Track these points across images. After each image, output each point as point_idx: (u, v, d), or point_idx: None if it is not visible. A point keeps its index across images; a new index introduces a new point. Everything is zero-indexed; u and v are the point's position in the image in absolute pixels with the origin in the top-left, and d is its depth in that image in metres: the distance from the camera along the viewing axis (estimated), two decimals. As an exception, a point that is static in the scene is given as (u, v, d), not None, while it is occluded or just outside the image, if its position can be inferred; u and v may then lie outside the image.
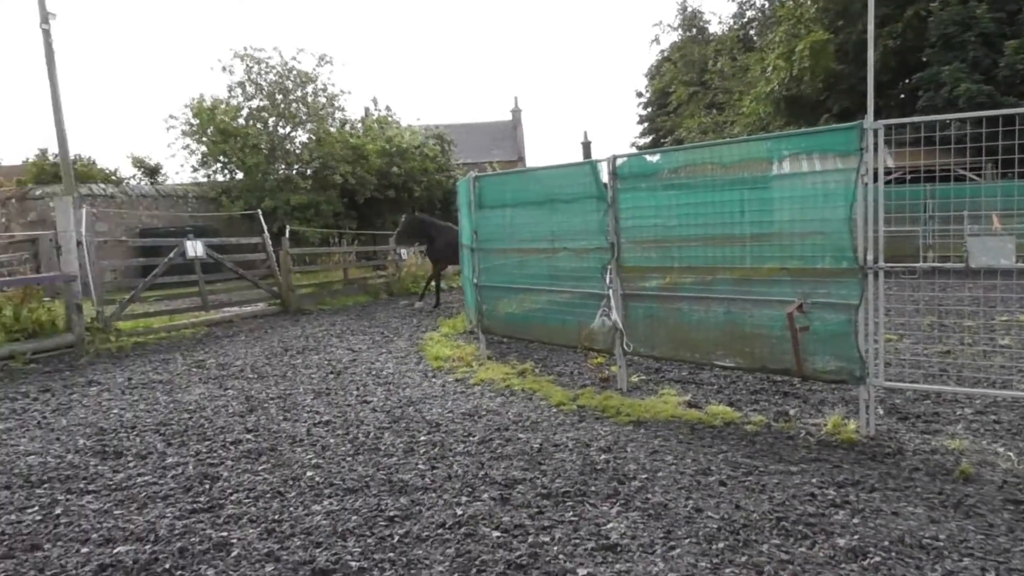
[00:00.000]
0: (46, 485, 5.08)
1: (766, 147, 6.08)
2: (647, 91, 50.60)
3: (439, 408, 6.80)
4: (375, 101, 32.27)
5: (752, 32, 41.21)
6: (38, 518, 4.48)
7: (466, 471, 5.03)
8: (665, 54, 47.92)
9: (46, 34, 15.93)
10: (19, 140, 68.44)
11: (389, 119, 28.20)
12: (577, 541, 3.92)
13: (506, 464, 5.15)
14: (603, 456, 5.24)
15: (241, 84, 24.67)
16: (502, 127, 48.90)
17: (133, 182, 27.70)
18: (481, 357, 9.11)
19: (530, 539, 3.95)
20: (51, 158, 25.88)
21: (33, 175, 26.39)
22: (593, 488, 4.64)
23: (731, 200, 6.14)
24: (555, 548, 3.84)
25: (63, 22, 66.93)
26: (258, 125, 24.55)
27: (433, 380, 8.10)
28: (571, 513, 4.28)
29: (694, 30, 46.25)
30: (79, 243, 11.21)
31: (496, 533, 4.04)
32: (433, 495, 4.62)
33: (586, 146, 50.53)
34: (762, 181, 6.03)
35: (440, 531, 4.09)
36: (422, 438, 5.86)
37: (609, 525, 4.09)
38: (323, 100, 25.55)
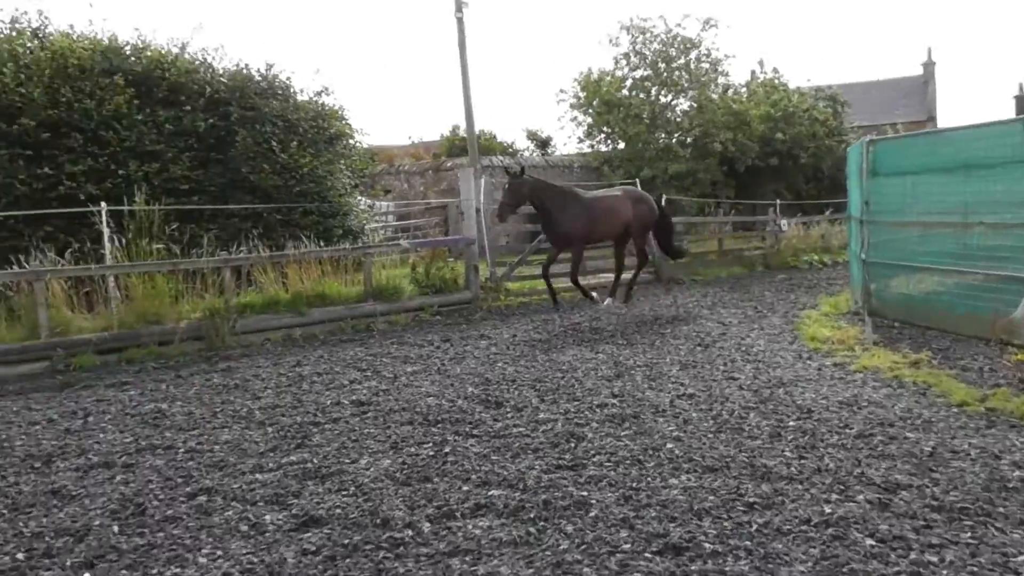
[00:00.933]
0: (439, 425, 5.74)
1: None
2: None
3: (812, 393, 6.29)
4: (761, 63, 30.79)
5: None
6: (431, 454, 5.06)
7: (839, 466, 4.56)
8: None
9: (459, 22, 17.88)
10: (436, 118, 78.83)
11: (776, 82, 26.84)
12: (974, 569, 3.30)
13: (888, 465, 4.55)
14: (1017, 472, 4.37)
15: (626, 55, 25.34)
16: (909, 83, 43.48)
17: (526, 154, 30.25)
18: (866, 341, 8.22)
19: (912, 555, 3.43)
20: (460, 133, 29.25)
21: (446, 149, 30.24)
22: (1001, 509, 3.88)
23: None
24: (944, 572, 3.29)
25: (472, 8, 74.91)
26: (640, 95, 25.04)
27: (807, 362, 7.52)
28: (969, 534, 3.62)
29: None
30: (477, 210, 12.52)
31: (870, 541, 3.58)
32: (799, 487, 4.26)
33: (1020, 100, 42.74)
34: None
35: (804, 528, 3.75)
36: (791, 423, 5.46)
37: (1020, 558, 3.38)
38: (706, 66, 25.17)
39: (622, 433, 5.36)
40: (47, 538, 3.93)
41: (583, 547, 3.63)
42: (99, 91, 11.21)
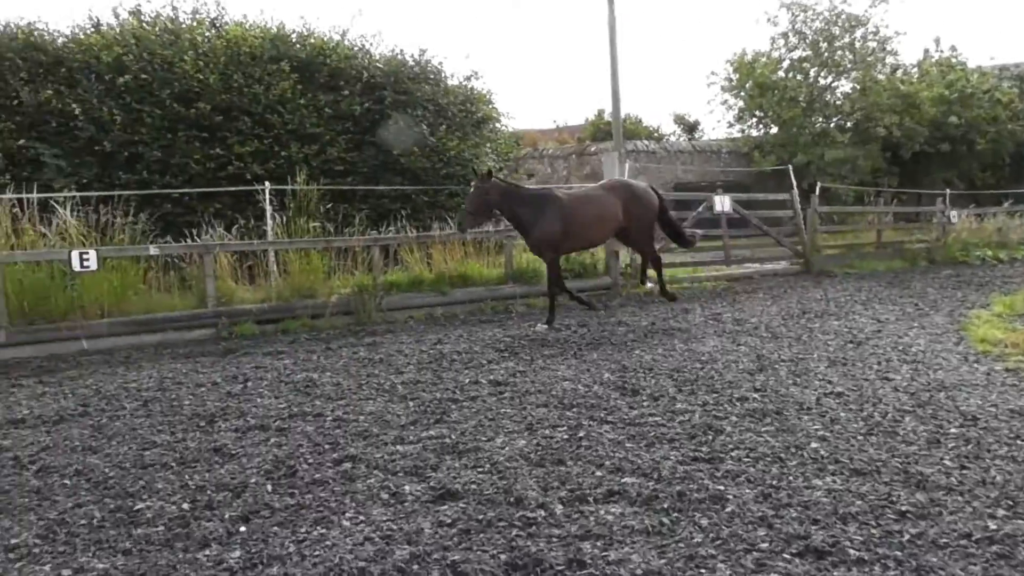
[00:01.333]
0: (574, 409, 5.74)
1: None
2: None
3: (978, 399, 5.80)
4: (937, 41, 28.44)
5: None
6: (565, 437, 5.07)
7: (1007, 479, 4.18)
8: None
9: (610, 2, 17.68)
10: (581, 102, 78.23)
11: (952, 60, 24.80)
12: None
13: (1066, 482, 4.14)
14: None
15: (784, 35, 24.24)
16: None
17: (672, 138, 29.63)
18: (1044, 345, 7.50)
19: (1093, 584, 3.11)
20: (605, 117, 28.97)
21: (590, 133, 30.12)
22: None
23: None
24: None
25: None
26: (798, 77, 23.89)
27: (974, 365, 6.94)
28: None
29: None
30: (622, 195, 12.37)
31: (1041, 564, 3.27)
32: (959, 499, 3.95)
33: None
34: None
35: (963, 542, 3.47)
36: (952, 430, 5.06)
37: None
38: (873, 45, 23.65)
39: (763, 429, 5.16)
40: (209, 492, 4.26)
41: (718, 542, 3.53)
42: (267, 77, 11.96)
